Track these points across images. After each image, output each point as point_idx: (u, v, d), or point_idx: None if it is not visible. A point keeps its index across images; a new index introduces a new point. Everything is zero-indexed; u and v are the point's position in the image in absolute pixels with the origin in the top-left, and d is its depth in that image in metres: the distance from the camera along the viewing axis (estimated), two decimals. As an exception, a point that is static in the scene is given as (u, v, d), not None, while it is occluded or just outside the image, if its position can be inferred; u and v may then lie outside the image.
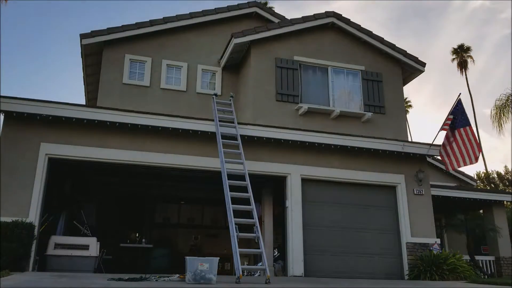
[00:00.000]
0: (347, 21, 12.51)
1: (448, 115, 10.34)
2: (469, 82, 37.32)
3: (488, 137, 65.92)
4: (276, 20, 13.40)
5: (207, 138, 9.30)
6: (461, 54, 38.06)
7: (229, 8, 13.44)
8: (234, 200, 7.60)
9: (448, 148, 10.21)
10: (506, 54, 60.37)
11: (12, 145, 8.32)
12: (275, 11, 14.89)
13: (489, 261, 12.78)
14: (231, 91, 12.14)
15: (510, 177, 34.90)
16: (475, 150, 9.90)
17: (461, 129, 10.13)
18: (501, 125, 17.60)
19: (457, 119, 10.26)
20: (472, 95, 37.04)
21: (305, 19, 12.18)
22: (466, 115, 10.36)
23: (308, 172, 10.02)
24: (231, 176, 8.14)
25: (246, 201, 7.81)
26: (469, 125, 10.18)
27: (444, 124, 10.38)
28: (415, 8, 68.30)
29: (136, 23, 12.40)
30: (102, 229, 11.38)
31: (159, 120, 9.06)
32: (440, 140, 10.53)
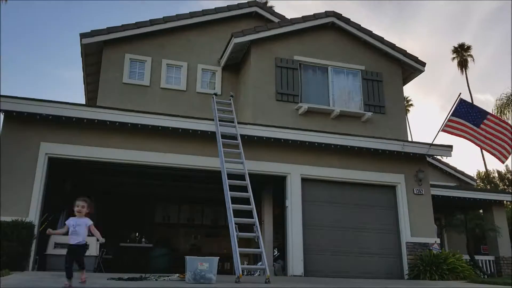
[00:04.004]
0: (347, 20, 12.52)
1: (450, 116, 10.30)
2: (466, 77, 37.11)
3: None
4: (276, 20, 13.41)
5: (207, 137, 9.30)
6: (462, 53, 37.93)
7: (229, 8, 13.44)
8: (234, 200, 7.59)
9: (485, 144, 10.08)
10: (495, 31, 59.23)
11: (12, 145, 8.32)
12: (275, 10, 14.91)
13: (489, 260, 12.78)
14: (231, 91, 12.13)
15: (510, 177, 34.87)
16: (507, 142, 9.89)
17: (484, 122, 10.08)
18: None
19: (471, 115, 10.17)
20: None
21: (305, 18, 12.19)
22: (477, 107, 10.32)
23: (308, 171, 10.02)
24: (231, 176, 8.12)
25: (246, 201, 7.81)
26: (488, 113, 10.16)
27: (445, 125, 10.34)
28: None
29: (136, 22, 12.41)
30: (102, 228, 11.35)
31: (159, 120, 9.06)
32: (440, 140, 10.53)
